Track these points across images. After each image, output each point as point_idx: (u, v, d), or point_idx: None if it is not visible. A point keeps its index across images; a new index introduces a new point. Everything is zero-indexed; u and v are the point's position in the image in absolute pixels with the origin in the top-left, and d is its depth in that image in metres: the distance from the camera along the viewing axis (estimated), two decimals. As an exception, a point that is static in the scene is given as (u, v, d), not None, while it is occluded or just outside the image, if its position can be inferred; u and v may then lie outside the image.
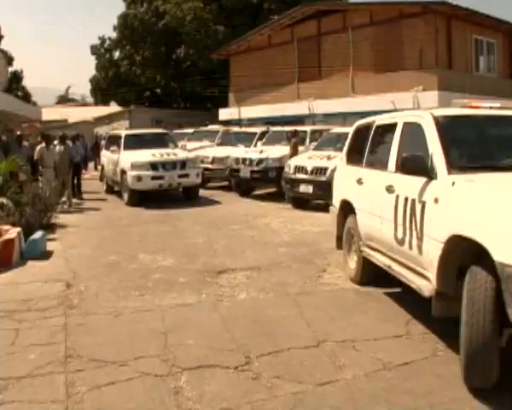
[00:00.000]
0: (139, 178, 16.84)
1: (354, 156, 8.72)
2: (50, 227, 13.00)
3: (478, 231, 4.81)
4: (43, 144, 16.88)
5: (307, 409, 4.60)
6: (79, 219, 14.91)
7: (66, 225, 13.81)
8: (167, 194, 18.34)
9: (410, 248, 6.20)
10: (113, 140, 20.18)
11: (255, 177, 18.45)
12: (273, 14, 38.89)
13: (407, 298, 7.09)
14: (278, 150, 18.53)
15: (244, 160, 18.71)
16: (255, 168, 18.24)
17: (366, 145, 8.12)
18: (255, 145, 21.06)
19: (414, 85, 24.74)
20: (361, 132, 8.66)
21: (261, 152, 18.85)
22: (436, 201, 5.64)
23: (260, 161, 18.20)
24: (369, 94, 26.23)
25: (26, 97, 61.79)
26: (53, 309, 7.22)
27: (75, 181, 19.53)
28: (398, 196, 6.54)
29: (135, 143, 18.78)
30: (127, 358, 5.55)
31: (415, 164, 6.01)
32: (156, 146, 18.48)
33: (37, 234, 10.86)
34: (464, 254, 5.17)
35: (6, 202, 11.74)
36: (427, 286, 5.77)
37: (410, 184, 6.22)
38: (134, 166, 17.00)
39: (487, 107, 6.82)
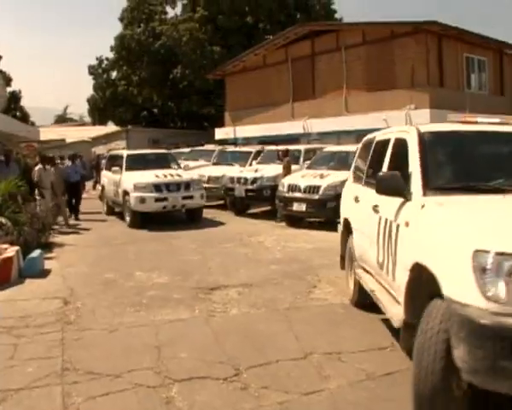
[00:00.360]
0: (142, 200, 16.52)
1: (357, 173, 8.50)
2: (48, 246, 13.21)
3: (432, 260, 4.46)
4: (41, 165, 17.03)
5: (292, 417, 4.84)
6: (77, 239, 15.13)
7: (63, 244, 14.04)
8: (170, 215, 18.12)
9: (387, 273, 5.96)
10: (115, 160, 19.92)
11: (250, 195, 18.66)
12: (268, 33, 39.38)
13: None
14: (273, 169, 18.75)
15: (239, 179, 18.93)
16: (250, 187, 18.46)
17: (366, 162, 7.91)
18: (250, 164, 21.31)
19: (406, 104, 25.13)
20: (365, 149, 8.35)
21: (256, 171, 19.10)
22: (407, 224, 5.30)
23: (255, 180, 18.43)
24: (363, 112, 26.58)
25: (25, 117, 62.17)
26: (50, 325, 7.44)
27: (73, 201, 19.60)
28: (380, 217, 6.28)
29: (137, 163, 18.48)
30: (121, 371, 5.77)
31: (390, 184, 5.69)
32: (159, 167, 18.24)
33: (35, 252, 11.09)
34: (431, 285, 4.45)
35: (5, 222, 11.97)
36: (398, 316, 5.38)
37: (390, 205, 5.87)
38: (137, 188, 16.68)
39: (486, 122, 6.41)
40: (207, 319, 7.60)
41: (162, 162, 19.08)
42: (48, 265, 11.29)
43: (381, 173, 6.07)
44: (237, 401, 5.11)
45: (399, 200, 5.63)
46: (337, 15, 51.81)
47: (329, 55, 30.24)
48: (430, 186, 5.39)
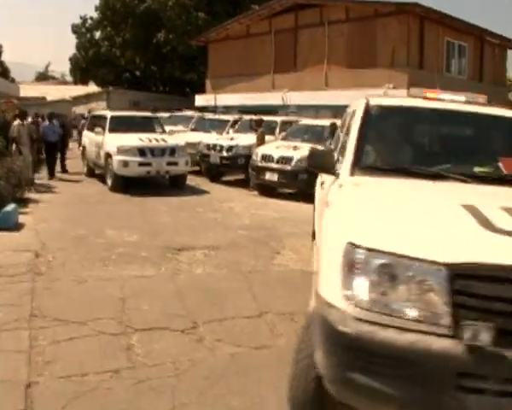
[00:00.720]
0: (125, 164, 16.06)
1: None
2: (23, 201, 13.45)
3: (322, 249, 4.03)
4: (19, 120, 16.99)
5: (241, 366, 5.25)
6: (53, 197, 15.35)
7: (39, 200, 14.29)
8: (153, 180, 17.90)
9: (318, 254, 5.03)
10: (97, 121, 19.47)
11: (225, 163, 18.81)
12: (254, 3, 39.29)
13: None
14: (249, 138, 18.93)
15: (214, 146, 19.08)
16: (225, 154, 18.63)
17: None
18: (227, 133, 21.56)
19: (385, 83, 25.43)
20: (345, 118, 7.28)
21: (231, 139, 19.37)
22: (327, 204, 4.68)
23: (230, 148, 18.61)
24: (342, 89, 26.80)
25: (5, 73, 61.67)
26: (21, 275, 7.77)
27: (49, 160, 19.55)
28: (321, 195, 5.99)
29: (121, 125, 17.89)
30: (87, 319, 6.14)
31: (317, 160, 5.15)
32: (143, 130, 17.72)
33: (10, 206, 11.34)
34: None
35: (-20, 175, 12.23)
36: (312, 303, 4.47)
37: (327, 182, 5.48)
38: (120, 151, 16.20)
39: (449, 100, 5.72)
40: (172, 276, 7.98)
41: (147, 126, 18.64)
42: (22, 219, 11.57)
43: (311, 148, 5.69)
44: (192, 350, 5.51)
45: (331, 178, 5.15)
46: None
47: (312, 30, 30.41)
48: (361, 165, 4.81)
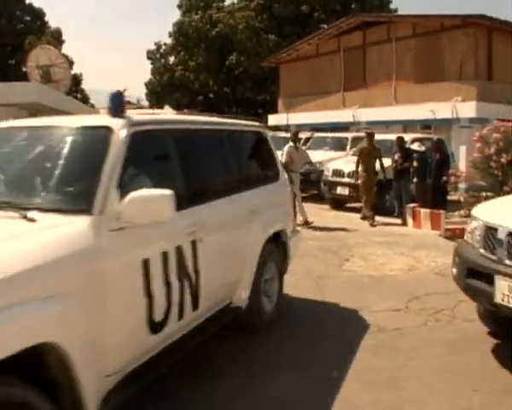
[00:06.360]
0: None
1: None
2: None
3: None
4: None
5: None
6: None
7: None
8: None
9: None
10: None
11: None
12: (323, 23, 39.93)
13: (411, 280, 8.42)
14: (321, 155, 19.63)
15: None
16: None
17: None
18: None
19: (454, 96, 25.48)
20: None
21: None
22: None
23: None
24: (411, 103, 27.07)
25: (85, 99, 64.17)
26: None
27: None
28: None
29: None
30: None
31: None
32: None
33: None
34: None
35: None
36: None
37: None
38: None
39: None
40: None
41: None
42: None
43: None
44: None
45: None
46: (392, 6, 51.89)
47: (380, 47, 30.63)
48: None
